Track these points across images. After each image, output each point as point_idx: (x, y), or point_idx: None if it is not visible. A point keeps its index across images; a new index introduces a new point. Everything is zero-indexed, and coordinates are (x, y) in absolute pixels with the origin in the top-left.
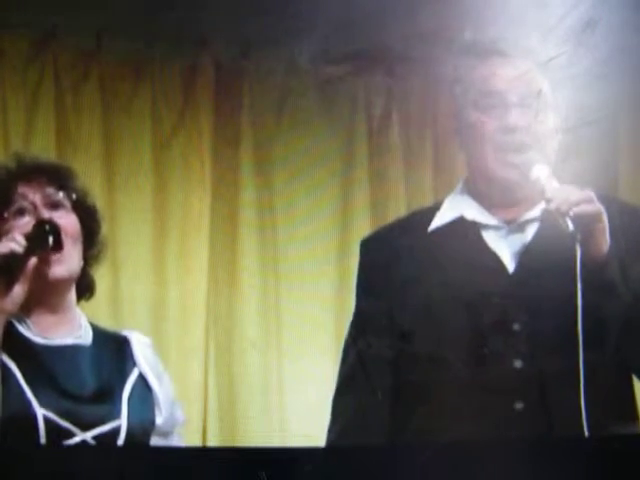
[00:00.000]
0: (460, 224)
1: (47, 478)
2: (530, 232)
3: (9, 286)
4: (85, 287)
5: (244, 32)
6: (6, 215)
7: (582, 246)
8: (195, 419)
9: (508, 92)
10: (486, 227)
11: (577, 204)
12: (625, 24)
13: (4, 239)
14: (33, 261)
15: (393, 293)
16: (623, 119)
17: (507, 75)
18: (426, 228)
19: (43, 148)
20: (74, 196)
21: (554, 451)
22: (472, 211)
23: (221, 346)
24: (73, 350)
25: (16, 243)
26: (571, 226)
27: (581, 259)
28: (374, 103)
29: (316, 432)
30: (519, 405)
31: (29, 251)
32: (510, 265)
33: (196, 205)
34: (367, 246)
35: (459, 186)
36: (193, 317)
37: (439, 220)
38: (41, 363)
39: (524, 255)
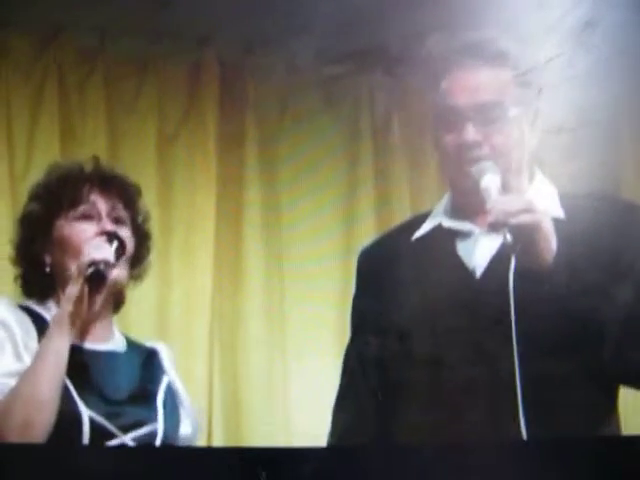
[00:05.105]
0: (438, 232)
1: (48, 476)
2: (500, 238)
3: (93, 296)
4: (118, 303)
5: (244, 31)
6: (70, 214)
7: (521, 257)
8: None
9: (467, 106)
10: (460, 234)
11: (515, 215)
12: (625, 24)
13: (94, 244)
14: (116, 272)
15: (381, 301)
16: (623, 120)
17: (470, 86)
18: (410, 239)
19: (47, 145)
20: (137, 219)
21: (551, 452)
22: (449, 218)
23: (226, 344)
24: (110, 356)
25: (109, 252)
26: (509, 237)
27: (515, 270)
28: (378, 101)
29: (321, 430)
30: (474, 412)
31: (115, 261)
32: (478, 271)
33: (201, 202)
34: (361, 255)
35: (447, 194)
36: (198, 315)
37: (422, 229)
38: (83, 367)
39: (491, 261)
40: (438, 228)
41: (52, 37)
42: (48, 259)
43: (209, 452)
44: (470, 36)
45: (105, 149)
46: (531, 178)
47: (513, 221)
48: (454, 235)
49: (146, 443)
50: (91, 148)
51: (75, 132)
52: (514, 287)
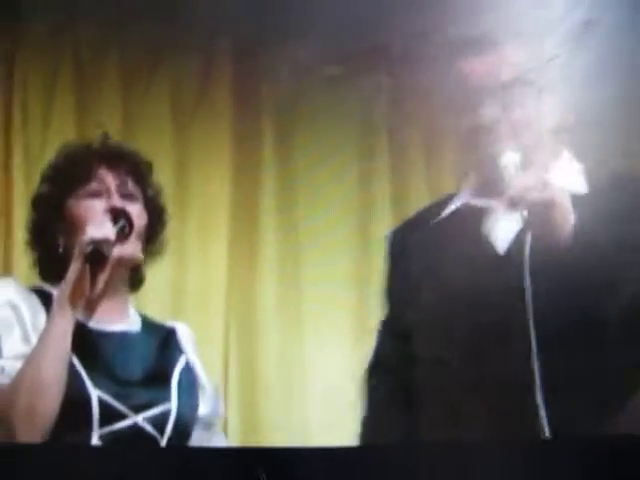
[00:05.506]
0: (464, 211)
1: (48, 477)
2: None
3: (95, 275)
4: (137, 280)
5: (246, 30)
6: (80, 192)
7: (537, 233)
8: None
9: (483, 87)
10: (484, 212)
11: (530, 190)
12: (624, 24)
13: (93, 224)
14: (118, 250)
15: (409, 279)
16: (623, 119)
17: (485, 68)
18: (436, 218)
19: (62, 130)
20: (149, 193)
21: (554, 451)
22: (473, 197)
23: (241, 333)
24: (123, 337)
25: (109, 230)
26: (525, 214)
27: (531, 247)
28: (391, 96)
29: (337, 420)
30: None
31: (117, 239)
32: (501, 248)
33: (216, 191)
34: (391, 235)
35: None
36: (213, 303)
37: (448, 209)
38: (93, 347)
39: (514, 238)
40: (463, 207)
41: (68, 24)
42: (61, 240)
43: (209, 452)
44: (471, 33)
45: (120, 133)
46: (556, 156)
47: (529, 197)
48: (479, 213)
49: (159, 425)
50: None
51: (90, 117)
52: (530, 264)
